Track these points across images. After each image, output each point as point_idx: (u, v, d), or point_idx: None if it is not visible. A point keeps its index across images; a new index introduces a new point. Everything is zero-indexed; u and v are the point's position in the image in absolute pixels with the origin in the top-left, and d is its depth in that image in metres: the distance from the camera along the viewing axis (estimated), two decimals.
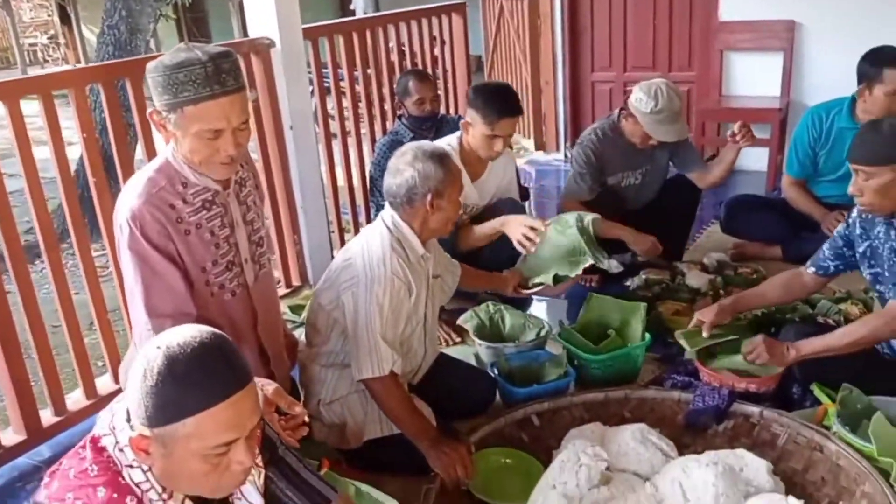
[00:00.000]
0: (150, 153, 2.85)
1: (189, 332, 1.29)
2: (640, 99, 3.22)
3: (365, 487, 1.97)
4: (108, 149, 2.92)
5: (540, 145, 6.25)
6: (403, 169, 2.24)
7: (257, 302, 2.22)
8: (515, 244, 2.86)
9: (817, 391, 2.35)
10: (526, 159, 6.05)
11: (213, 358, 1.27)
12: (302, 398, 2.41)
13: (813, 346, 2.34)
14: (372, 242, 2.23)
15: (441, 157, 2.25)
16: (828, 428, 2.21)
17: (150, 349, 1.27)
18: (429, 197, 2.22)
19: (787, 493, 2.03)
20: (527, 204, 4.42)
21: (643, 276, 3.44)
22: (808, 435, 2.18)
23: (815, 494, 2.08)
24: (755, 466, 2.07)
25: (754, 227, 3.80)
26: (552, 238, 2.82)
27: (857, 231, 2.47)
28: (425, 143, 2.40)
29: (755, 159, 5.30)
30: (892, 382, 2.35)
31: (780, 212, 3.78)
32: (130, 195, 1.96)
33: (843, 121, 3.51)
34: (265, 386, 1.83)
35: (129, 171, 2.75)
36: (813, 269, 2.58)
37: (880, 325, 2.30)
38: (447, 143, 3.05)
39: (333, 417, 2.32)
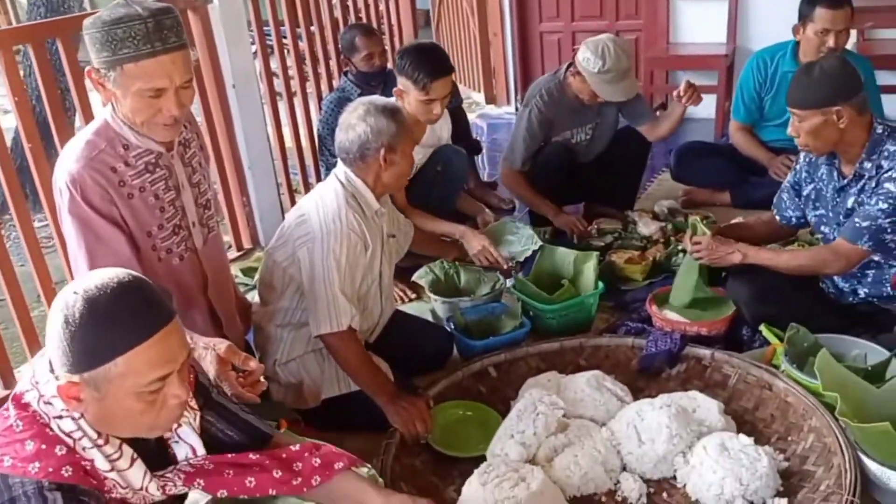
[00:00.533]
0: (88, 119, 2.75)
1: (105, 275, 1.27)
2: (587, 59, 3.19)
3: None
4: (45, 116, 2.81)
5: (490, 99, 6.21)
6: (355, 124, 2.20)
7: (207, 265, 2.18)
8: (472, 257, 2.87)
9: (766, 332, 2.40)
10: (477, 113, 6.00)
11: (134, 296, 1.26)
12: (257, 360, 2.39)
13: (760, 256, 2.44)
14: (326, 198, 2.20)
15: (393, 111, 2.22)
16: (776, 367, 2.27)
17: (66, 295, 1.25)
18: (382, 151, 2.19)
19: (738, 430, 2.09)
20: (478, 158, 4.42)
21: (596, 226, 3.47)
22: (758, 374, 2.24)
23: (764, 431, 2.13)
24: (707, 407, 2.12)
25: (703, 173, 3.84)
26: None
27: (804, 175, 2.51)
28: (377, 98, 2.37)
29: (703, 107, 5.26)
30: (837, 320, 2.42)
31: (728, 158, 3.83)
32: (69, 159, 1.89)
33: (787, 64, 3.54)
34: (217, 345, 1.81)
35: (66, 138, 2.66)
36: (778, 216, 2.66)
37: (827, 258, 2.35)
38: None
39: (290, 377, 2.31)
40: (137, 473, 1.36)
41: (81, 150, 1.88)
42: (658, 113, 3.64)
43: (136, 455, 1.37)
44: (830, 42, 3.33)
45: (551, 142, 3.44)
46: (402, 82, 2.91)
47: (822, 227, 2.50)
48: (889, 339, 2.25)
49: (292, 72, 4.23)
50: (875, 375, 2.10)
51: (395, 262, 2.61)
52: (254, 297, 2.46)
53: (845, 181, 2.35)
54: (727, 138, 3.91)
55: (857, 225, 2.25)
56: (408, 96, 2.91)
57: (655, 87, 5.25)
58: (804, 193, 2.52)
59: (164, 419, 1.35)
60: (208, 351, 1.81)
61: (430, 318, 2.81)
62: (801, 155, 2.54)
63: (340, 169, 2.26)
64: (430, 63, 2.87)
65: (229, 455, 1.52)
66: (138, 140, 1.93)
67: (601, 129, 3.55)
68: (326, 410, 2.29)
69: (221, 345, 1.79)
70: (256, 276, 2.42)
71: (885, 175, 2.22)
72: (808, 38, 3.40)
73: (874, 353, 2.23)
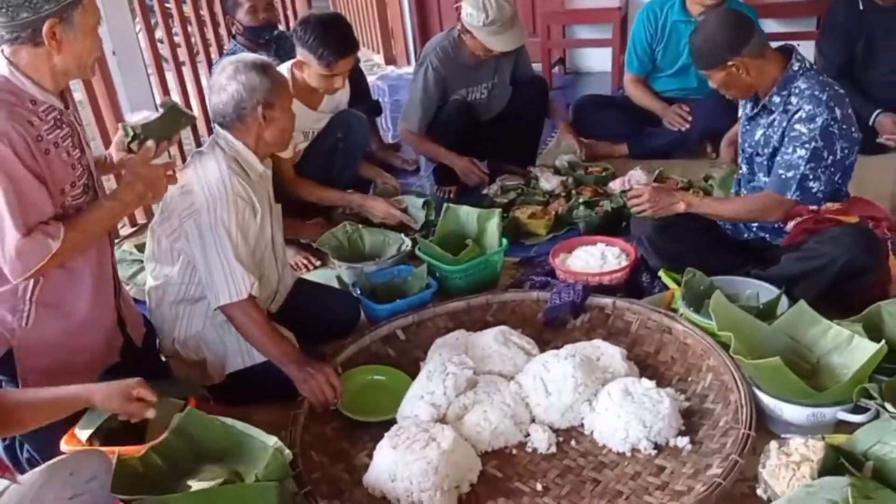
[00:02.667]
0: None
1: None
2: (470, 14, 3.17)
3: (230, 421, 1.91)
4: None
5: (390, 59, 6.11)
6: (226, 84, 2.11)
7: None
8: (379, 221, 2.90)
9: (665, 277, 2.47)
10: (377, 75, 5.90)
11: None
12: (158, 339, 2.31)
13: (704, 204, 2.52)
14: (207, 166, 2.11)
15: (264, 67, 2.14)
16: (675, 311, 2.33)
17: None
18: (259, 109, 2.11)
19: (641, 375, 2.15)
20: (379, 119, 4.36)
21: (498, 183, 3.48)
22: (658, 319, 2.30)
23: (666, 373, 2.20)
24: (610, 354, 2.17)
25: (601, 126, 3.89)
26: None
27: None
28: (245, 55, 2.28)
29: (600, 60, 5.41)
30: (732, 256, 2.52)
31: (625, 110, 3.89)
32: None
33: (676, 14, 3.61)
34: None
35: None
36: None
37: (768, 205, 2.39)
38: (284, 68, 2.91)
39: (191, 354, 2.24)
40: None
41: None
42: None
43: None
44: None
45: (450, 100, 3.41)
46: (302, 54, 2.82)
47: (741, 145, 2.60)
48: (778, 270, 2.34)
49: (179, 39, 4.05)
50: (766, 313, 2.18)
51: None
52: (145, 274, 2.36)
53: (755, 111, 2.45)
54: (623, 90, 3.97)
55: (783, 176, 2.31)
56: (308, 69, 2.82)
57: (553, 41, 5.27)
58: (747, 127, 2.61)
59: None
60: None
61: (335, 284, 2.76)
62: None
63: (219, 133, 2.17)
64: (336, 41, 2.79)
65: None
66: (43, 96, 1.84)
67: (498, 88, 3.54)
68: (234, 384, 2.24)
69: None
70: (145, 254, 2.31)
71: (795, 116, 2.28)
72: None
73: (765, 291, 2.32)
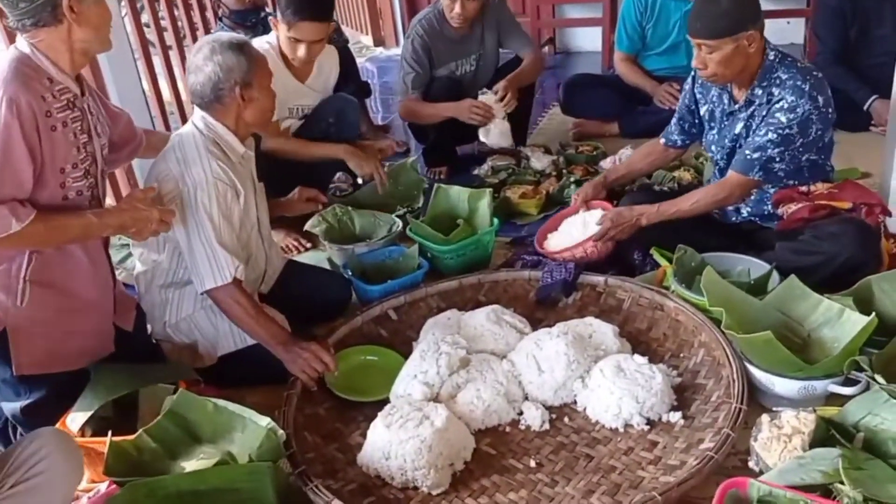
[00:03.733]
0: None
1: None
2: None
3: (222, 403, 1.91)
4: None
5: (378, 41, 6.09)
6: (203, 65, 2.07)
7: None
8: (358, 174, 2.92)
9: (656, 255, 2.47)
10: (367, 57, 5.87)
11: None
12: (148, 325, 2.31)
13: (662, 212, 2.44)
14: (186, 149, 2.09)
15: (240, 46, 2.10)
16: (667, 288, 2.34)
17: None
18: (237, 90, 2.08)
19: (633, 351, 2.15)
20: (369, 101, 4.34)
21: (489, 164, 3.48)
22: (650, 296, 2.31)
23: (658, 350, 2.21)
24: (602, 331, 2.17)
25: (591, 105, 3.90)
26: None
27: (697, 97, 2.55)
28: (221, 34, 2.25)
29: (590, 39, 5.40)
30: (723, 239, 2.51)
31: (615, 88, 3.89)
32: (3, 80, 1.77)
33: None
34: None
35: None
36: (664, 140, 2.70)
37: (720, 194, 2.41)
38: (265, 40, 2.91)
39: (183, 338, 2.23)
40: None
41: (15, 72, 1.78)
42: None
43: None
44: None
45: (435, 77, 3.40)
46: (279, 11, 2.81)
47: (712, 147, 2.56)
48: (773, 258, 2.34)
49: (165, 23, 4.01)
50: (757, 288, 2.19)
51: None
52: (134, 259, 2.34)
53: (736, 106, 2.39)
54: (614, 70, 3.96)
55: (748, 157, 2.29)
56: (279, 28, 2.81)
57: (542, 21, 5.26)
58: (701, 113, 2.56)
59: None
60: None
61: (326, 266, 2.76)
62: (688, 81, 2.57)
63: (198, 115, 2.14)
64: (301, 1, 2.75)
65: None
66: (60, 76, 1.85)
67: (485, 59, 3.53)
68: (225, 367, 2.23)
69: None
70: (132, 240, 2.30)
71: (777, 105, 2.24)
72: None
73: (756, 267, 2.33)
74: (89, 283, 2.01)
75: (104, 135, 2.04)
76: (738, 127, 2.40)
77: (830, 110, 2.28)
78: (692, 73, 2.53)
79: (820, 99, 2.23)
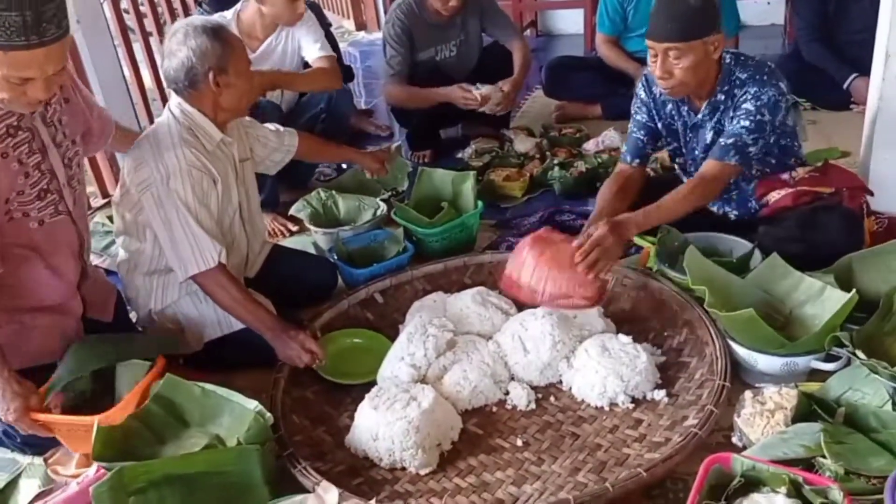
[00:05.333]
0: None
1: None
2: None
3: (210, 387, 1.91)
4: None
5: (360, 25, 6.05)
6: (177, 50, 2.04)
7: (82, 225, 2.05)
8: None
9: (638, 238, 2.45)
10: (349, 42, 5.85)
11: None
12: (133, 314, 2.30)
13: (650, 219, 2.20)
14: (160, 136, 2.07)
15: (215, 30, 2.06)
16: (651, 268, 2.35)
17: None
18: (211, 75, 2.04)
19: (618, 331, 2.17)
20: (352, 85, 4.32)
21: (473, 147, 3.48)
22: (633, 277, 2.32)
23: (642, 329, 2.21)
24: (587, 312, 2.18)
25: (574, 87, 3.90)
26: None
27: (652, 114, 2.46)
28: (196, 18, 2.24)
29: (572, 22, 5.39)
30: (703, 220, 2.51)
31: (598, 71, 3.89)
32: None
33: None
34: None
35: None
36: (638, 160, 2.50)
37: (699, 188, 2.24)
38: (220, 16, 2.92)
39: (168, 324, 2.23)
40: None
41: None
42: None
43: None
44: None
45: (417, 62, 3.40)
46: None
47: (677, 160, 2.52)
48: (753, 239, 2.34)
49: (145, 9, 3.97)
50: (740, 267, 2.21)
51: (269, 172, 2.59)
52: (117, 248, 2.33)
53: (698, 117, 2.34)
54: (596, 52, 3.96)
55: (723, 143, 2.23)
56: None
57: (524, 4, 5.25)
58: (658, 128, 2.48)
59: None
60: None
61: (312, 250, 2.75)
62: (640, 91, 2.45)
63: (174, 101, 2.11)
64: None
65: None
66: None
67: (466, 45, 3.53)
68: (213, 352, 2.23)
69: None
70: (114, 229, 2.29)
71: (742, 98, 2.21)
72: None
73: (739, 246, 2.35)
74: (48, 288, 1.97)
75: (73, 134, 1.99)
76: (709, 136, 2.34)
77: (788, 96, 2.26)
78: (642, 83, 2.44)
79: (781, 84, 2.21)
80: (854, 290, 1.88)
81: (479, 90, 3.28)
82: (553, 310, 2.10)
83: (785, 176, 2.38)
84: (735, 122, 2.24)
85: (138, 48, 3.91)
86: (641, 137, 2.48)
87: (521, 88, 3.42)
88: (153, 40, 3.99)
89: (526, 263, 2.06)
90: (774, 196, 2.37)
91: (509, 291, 2.15)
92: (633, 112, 2.49)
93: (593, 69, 3.92)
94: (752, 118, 2.19)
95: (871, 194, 2.41)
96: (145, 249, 2.17)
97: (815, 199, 2.31)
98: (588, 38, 4.94)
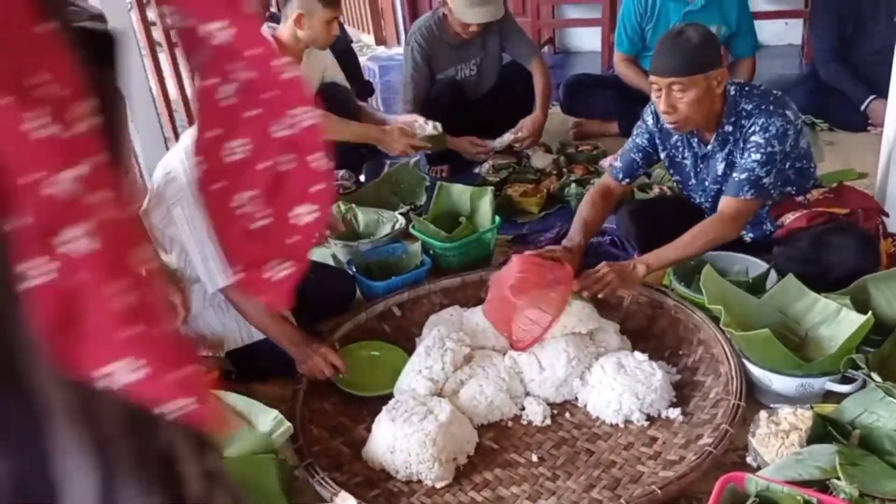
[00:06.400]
0: None
1: None
2: None
3: (231, 396, 1.94)
4: None
5: (380, 40, 6.09)
6: None
7: None
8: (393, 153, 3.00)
9: None
10: (368, 56, 5.89)
11: None
12: None
13: (662, 258, 2.26)
14: (189, 149, 2.11)
15: None
16: (666, 286, 2.37)
17: None
18: None
19: (633, 349, 2.18)
20: (371, 100, 4.37)
21: (490, 162, 3.51)
22: (649, 294, 2.34)
23: (658, 347, 2.24)
24: (603, 329, 2.20)
25: (591, 105, 3.93)
26: None
27: (657, 141, 2.48)
28: None
29: (590, 40, 5.42)
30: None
31: (615, 88, 3.91)
32: None
33: None
34: None
35: None
36: (628, 180, 2.55)
37: (719, 227, 2.26)
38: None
39: (190, 333, 2.26)
40: None
41: None
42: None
43: None
44: None
45: (437, 80, 3.45)
46: (302, 5, 2.83)
47: (689, 192, 2.53)
48: (768, 259, 2.35)
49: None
50: (756, 287, 2.23)
51: None
52: None
53: (708, 148, 2.35)
54: (613, 70, 3.99)
55: (737, 179, 2.24)
56: (310, 19, 2.84)
57: (542, 21, 5.28)
58: (662, 156, 2.50)
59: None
60: None
61: (331, 262, 2.79)
62: (649, 118, 2.46)
63: None
64: None
65: None
66: None
67: (486, 64, 3.57)
68: (234, 362, 2.26)
69: None
70: None
71: (750, 130, 2.22)
72: None
73: (755, 266, 2.36)
74: None
75: None
76: (720, 167, 2.34)
77: (800, 120, 2.27)
78: (650, 110, 2.44)
79: (788, 113, 2.21)
80: (870, 313, 1.89)
81: (502, 140, 3.43)
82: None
83: (800, 198, 2.39)
84: (746, 155, 2.24)
85: (163, 58, 3.96)
86: (637, 159, 2.51)
87: (545, 122, 3.51)
88: (178, 52, 4.05)
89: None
90: (789, 217, 2.38)
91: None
92: (634, 134, 2.52)
93: (611, 87, 3.94)
94: (762, 150, 2.20)
95: (887, 215, 2.42)
96: (170, 262, 2.21)
97: (830, 220, 2.31)
98: (605, 56, 4.96)
